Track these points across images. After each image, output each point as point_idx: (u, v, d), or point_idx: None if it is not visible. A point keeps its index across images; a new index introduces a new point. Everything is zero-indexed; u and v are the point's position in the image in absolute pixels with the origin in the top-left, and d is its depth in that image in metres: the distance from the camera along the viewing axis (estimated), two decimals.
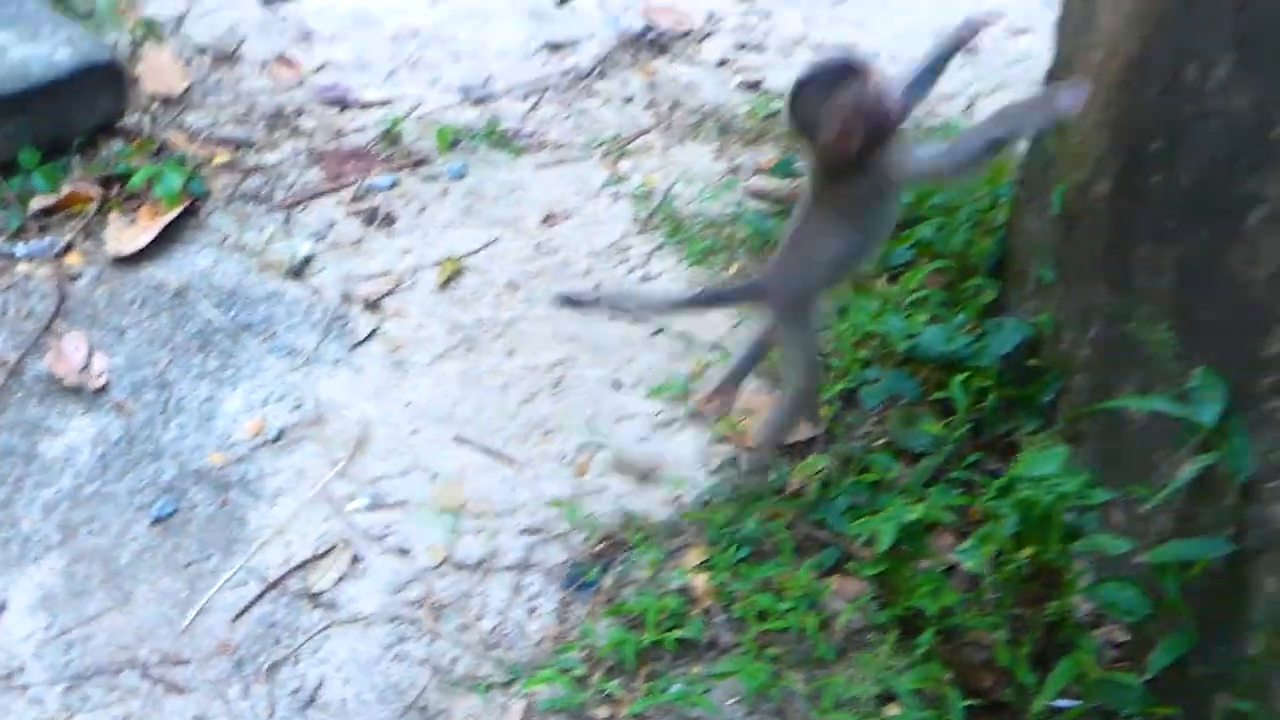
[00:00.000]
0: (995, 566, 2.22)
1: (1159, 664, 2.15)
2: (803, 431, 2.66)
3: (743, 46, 4.29)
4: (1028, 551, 2.10)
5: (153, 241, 3.22)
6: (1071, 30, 2.69)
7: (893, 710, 2.26)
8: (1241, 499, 2.02)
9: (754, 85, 4.05)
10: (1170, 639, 2.15)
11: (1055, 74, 2.78)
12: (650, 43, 4.25)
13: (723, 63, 4.19)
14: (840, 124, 2.16)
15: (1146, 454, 2.30)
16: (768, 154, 3.65)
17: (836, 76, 2.19)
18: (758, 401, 2.79)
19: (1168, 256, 2.26)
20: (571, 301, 2.69)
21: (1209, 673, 2.09)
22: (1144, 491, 2.19)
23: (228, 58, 4.04)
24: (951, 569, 2.41)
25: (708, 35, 4.34)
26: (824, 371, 2.62)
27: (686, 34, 4.33)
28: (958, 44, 2.44)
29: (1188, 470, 2.07)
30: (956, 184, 2.99)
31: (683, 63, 4.18)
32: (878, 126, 2.19)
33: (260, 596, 2.42)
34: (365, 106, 3.86)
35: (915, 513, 2.27)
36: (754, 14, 4.49)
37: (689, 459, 2.71)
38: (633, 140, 3.76)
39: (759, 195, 3.49)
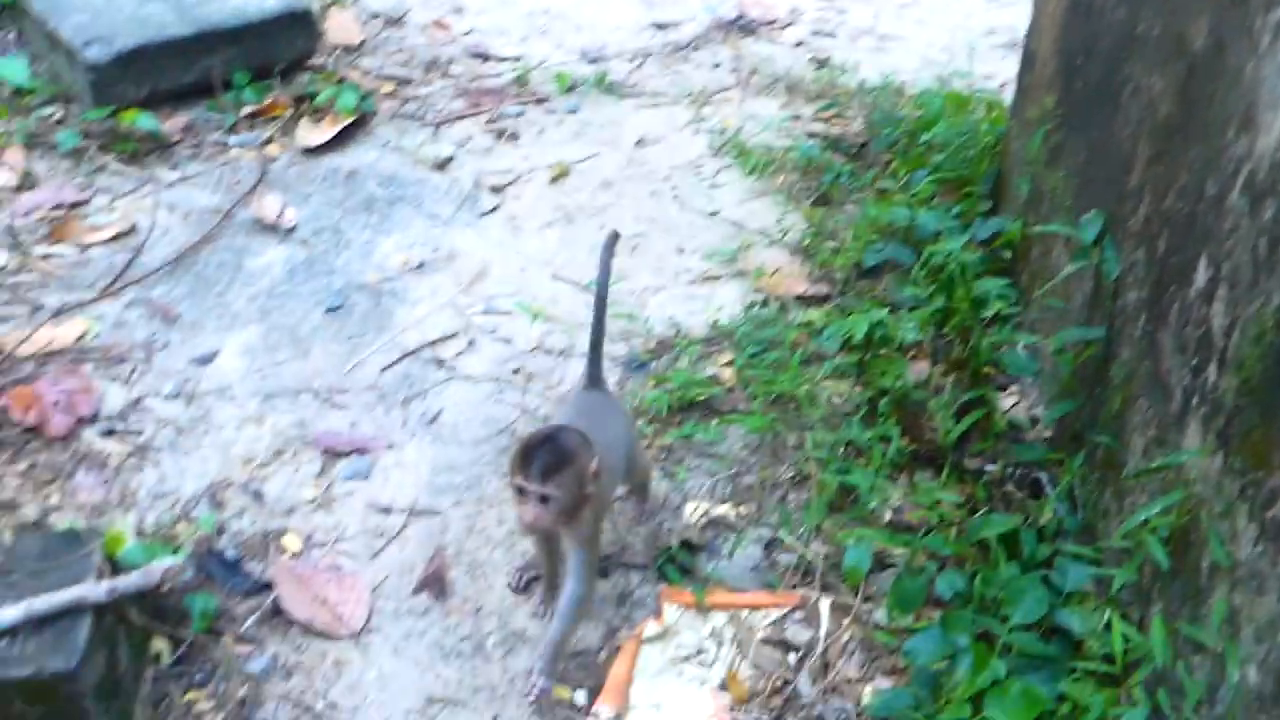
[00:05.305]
0: (932, 340, 3.00)
1: (1052, 418, 2.92)
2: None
3: (817, 33, 5.15)
4: (954, 322, 2.88)
5: (333, 139, 4.17)
6: None
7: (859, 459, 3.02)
8: (1112, 296, 2.77)
9: (822, 62, 4.90)
10: (1060, 403, 2.90)
11: (1033, 23, 3.57)
12: (740, 27, 5.14)
13: (799, 44, 5.05)
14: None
15: (1054, 270, 3.09)
16: (824, 106, 4.49)
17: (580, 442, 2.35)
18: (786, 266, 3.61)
19: (1081, 140, 3.03)
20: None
21: (1083, 423, 2.83)
22: (1043, 293, 2.97)
23: (396, 21, 5.03)
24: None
25: (789, 24, 5.22)
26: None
27: (772, 22, 5.21)
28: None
29: (1070, 266, 2.83)
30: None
31: (765, 42, 5.05)
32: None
33: (401, 359, 3.29)
34: (502, 59, 4.80)
35: (881, 315, 3.06)
36: (831, 9, 5.36)
37: (729, 299, 3.52)
38: (715, 94, 4.63)
39: (811, 134, 4.32)
